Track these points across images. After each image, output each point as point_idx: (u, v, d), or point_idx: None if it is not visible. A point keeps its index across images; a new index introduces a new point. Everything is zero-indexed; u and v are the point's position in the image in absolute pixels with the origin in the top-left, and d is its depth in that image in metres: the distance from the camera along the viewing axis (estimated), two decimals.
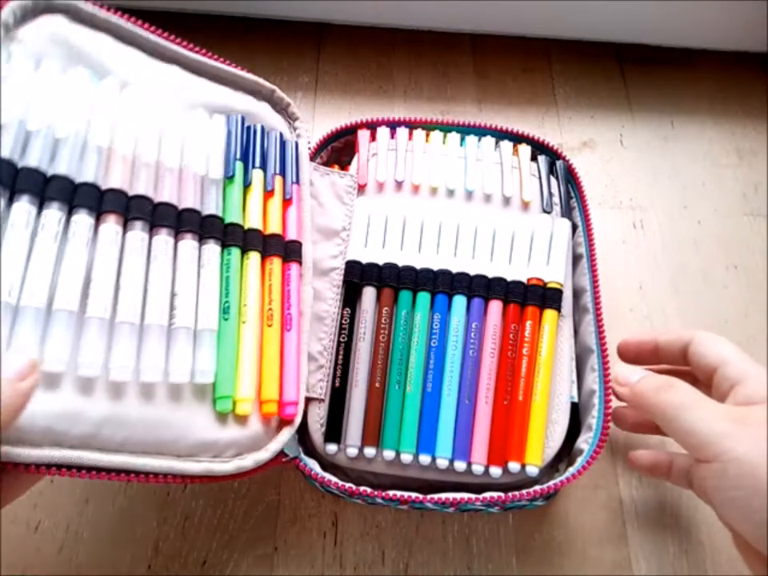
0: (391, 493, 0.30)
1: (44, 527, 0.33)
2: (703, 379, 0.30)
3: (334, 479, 0.30)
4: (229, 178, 0.32)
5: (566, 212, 0.37)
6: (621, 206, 0.46)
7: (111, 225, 0.26)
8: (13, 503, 0.29)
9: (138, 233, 0.27)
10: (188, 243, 0.28)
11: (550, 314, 0.33)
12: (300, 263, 0.33)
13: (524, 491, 0.30)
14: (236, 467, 0.27)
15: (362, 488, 0.30)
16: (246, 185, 0.32)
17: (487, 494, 0.30)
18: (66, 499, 0.34)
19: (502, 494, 0.30)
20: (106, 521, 0.34)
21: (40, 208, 0.25)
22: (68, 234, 0.26)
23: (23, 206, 0.24)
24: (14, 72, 0.27)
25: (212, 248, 0.29)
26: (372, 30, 0.52)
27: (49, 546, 0.33)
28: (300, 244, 0.33)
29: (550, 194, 0.37)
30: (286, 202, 0.34)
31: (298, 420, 0.29)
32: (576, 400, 0.33)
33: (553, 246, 0.35)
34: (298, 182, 0.35)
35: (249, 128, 0.34)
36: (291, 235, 0.33)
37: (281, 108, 0.37)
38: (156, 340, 0.26)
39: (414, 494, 0.30)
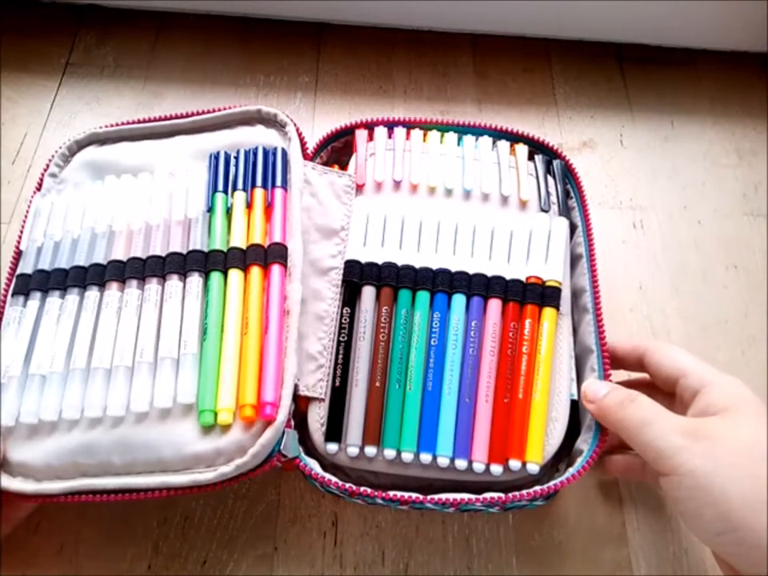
0: (391, 493, 0.30)
1: (44, 527, 0.33)
2: (665, 389, 0.31)
3: (334, 479, 0.30)
4: (209, 210, 0.35)
5: (564, 211, 0.37)
6: (621, 206, 0.46)
7: (113, 291, 0.33)
8: None
9: (133, 290, 0.33)
10: (172, 282, 0.33)
11: (549, 312, 0.33)
12: (283, 264, 0.33)
13: (524, 491, 0.30)
14: (218, 474, 0.28)
15: (362, 488, 0.30)
16: (229, 209, 0.35)
17: (487, 495, 0.30)
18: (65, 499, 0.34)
19: (502, 495, 0.30)
20: (105, 521, 0.34)
21: (64, 294, 0.33)
22: (82, 308, 0.33)
23: (55, 300, 0.33)
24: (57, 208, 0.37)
25: (194, 279, 0.33)
26: (372, 30, 0.52)
27: (49, 546, 0.33)
28: (282, 245, 0.33)
29: (548, 193, 0.38)
30: (269, 209, 0.35)
31: (280, 420, 0.29)
32: (576, 398, 0.33)
33: (551, 244, 0.35)
34: (284, 185, 0.36)
35: (227, 157, 0.37)
36: (275, 239, 0.34)
37: (272, 122, 0.39)
38: (144, 374, 0.30)
39: (414, 495, 0.30)
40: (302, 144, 0.38)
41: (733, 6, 0.48)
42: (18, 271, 0.35)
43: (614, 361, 0.33)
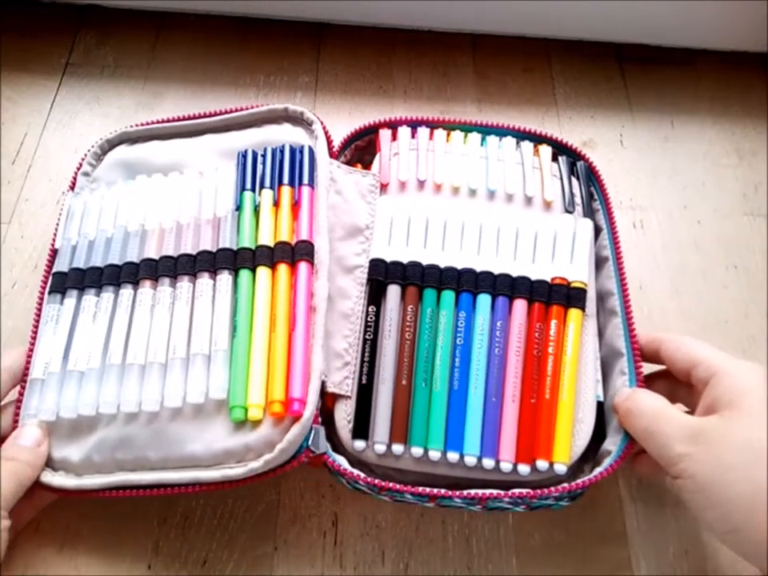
0: (420, 488, 0.30)
1: (44, 527, 0.33)
2: (683, 380, 0.30)
3: (362, 475, 0.31)
4: (237, 209, 0.35)
5: (589, 213, 0.38)
6: (621, 206, 0.46)
7: (146, 289, 0.33)
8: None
9: (165, 288, 0.33)
10: (203, 280, 0.33)
11: (574, 313, 0.34)
12: (310, 261, 0.33)
13: (552, 488, 0.30)
14: (248, 470, 0.28)
15: (390, 483, 0.30)
16: (256, 207, 0.36)
17: (516, 490, 0.30)
18: (65, 499, 0.34)
19: (530, 490, 0.30)
20: (106, 521, 0.34)
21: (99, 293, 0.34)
22: (117, 305, 0.33)
23: (91, 298, 0.34)
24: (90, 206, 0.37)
25: (224, 277, 0.33)
26: (372, 30, 0.52)
27: (49, 546, 0.33)
28: (309, 243, 0.34)
29: (572, 194, 0.38)
30: (295, 207, 0.35)
31: (306, 416, 0.29)
32: (602, 399, 0.33)
33: (576, 245, 0.35)
34: (311, 183, 0.36)
35: (255, 155, 0.37)
36: (302, 236, 0.34)
37: (298, 120, 0.40)
38: (177, 370, 0.31)
39: (443, 490, 0.30)
40: (329, 142, 0.39)
41: (733, 6, 0.48)
42: (54, 269, 0.36)
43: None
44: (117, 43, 0.51)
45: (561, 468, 0.31)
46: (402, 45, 0.52)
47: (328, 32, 0.52)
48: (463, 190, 0.38)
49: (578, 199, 0.38)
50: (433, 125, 0.40)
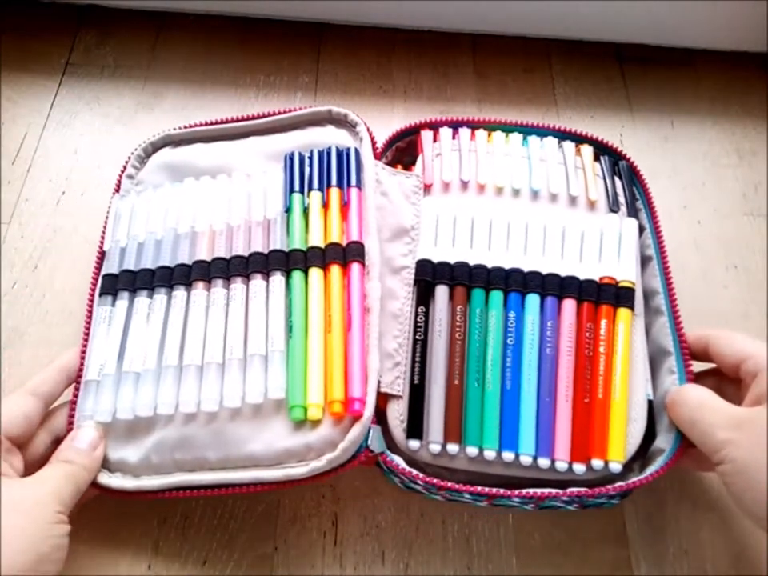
0: (478, 488, 0.30)
1: None
2: (732, 376, 0.31)
3: (421, 474, 0.31)
4: (287, 211, 0.36)
5: (632, 212, 0.38)
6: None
7: (199, 290, 0.34)
8: None
9: (219, 289, 0.34)
10: (256, 282, 0.34)
11: (623, 312, 0.34)
12: (361, 262, 0.34)
13: (609, 486, 0.30)
14: (311, 469, 0.29)
15: (449, 483, 0.30)
16: (305, 208, 0.36)
17: (573, 489, 0.30)
18: None
19: (587, 489, 0.30)
20: (105, 521, 0.34)
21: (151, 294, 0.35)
22: (170, 307, 0.34)
23: (143, 300, 0.34)
24: (137, 208, 0.38)
25: (277, 278, 0.34)
26: (372, 30, 0.52)
27: None
28: (360, 244, 0.34)
29: (615, 194, 0.38)
30: (345, 208, 0.36)
31: (366, 416, 0.30)
32: (652, 397, 0.33)
33: (622, 244, 0.36)
34: (358, 185, 0.36)
35: (302, 157, 0.38)
36: (352, 237, 0.34)
37: (342, 122, 0.40)
38: (235, 371, 0.31)
39: (501, 489, 0.30)
40: (373, 143, 0.39)
41: (733, 6, 0.48)
42: (104, 271, 0.36)
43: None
44: (117, 43, 0.51)
45: (616, 467, 0.31)
46: (402, 45, 0.52)
47: (328, 32, 0.52)
48: (507, 190, 0.38)
49: (621, 199, 0.38)
50: (474, 125, 0.40)
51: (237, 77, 0.50)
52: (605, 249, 0.35)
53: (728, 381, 0.32)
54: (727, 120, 0.50)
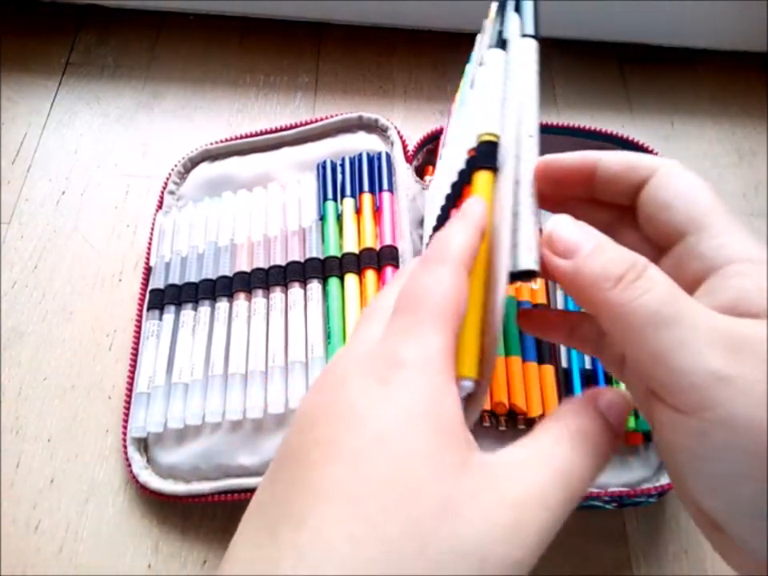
0: None
1: (44, 527, 0.33)
2: (655, 238, 0.18)
3: None
4: (321, 219, 0.37)
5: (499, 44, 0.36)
6: None
7: (241, 301, 0.35)
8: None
9: (259, 299, 0.35)
10: (294, 290, 0.35)
11: (481, 176, 0.21)
12: (395, 265, 0.34)
13: (649, 486, 0.31)
14: None
15: None
16: (339, 215, 0.37)
17: (615, 489, 0.31)
18: (66, 499, 0.34)
19: (629, 489, 0.31)
20: (105, 521, 0.34)
21: (196, 306, 0.36)
22: (214, 318, 0.35)
23: (188, 312, 0.36)
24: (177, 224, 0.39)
25: (314, 286, 0.35)
26: (372, 30, 0.52)
27: (49, 546, 0.33)
28: (393, 247, 0.35)
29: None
30: (377, 213, 0.37)
31: None
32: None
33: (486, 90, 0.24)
34: (390, 189, 0.37)
35: (334, 165, 0.39)
36: (386, 241, 0.35)
37: (372, 127, 0.41)
38: (278, 378, 0.32)
39: None
40: (404, 146, 0.40)
41: (733, 6, 0.48)
42: (151, 287, 0.37)
43: (586, 182, 0.19)
44: (117, 43, 0.51)
45: (467, 384, 0.18)
46: (402, 45, 0.52)
47: (328, 32, 0.52)
48: None
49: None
50: None
51: (237, 77, 0.50)
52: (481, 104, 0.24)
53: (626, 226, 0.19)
54: (727, 120, 0.50)
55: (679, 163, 0.18)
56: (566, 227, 0.17)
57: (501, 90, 0.23)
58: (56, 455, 0.35)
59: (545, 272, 0.17)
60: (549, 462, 0.15)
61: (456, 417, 0.14)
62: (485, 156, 0.22)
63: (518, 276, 0.18)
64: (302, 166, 0.40)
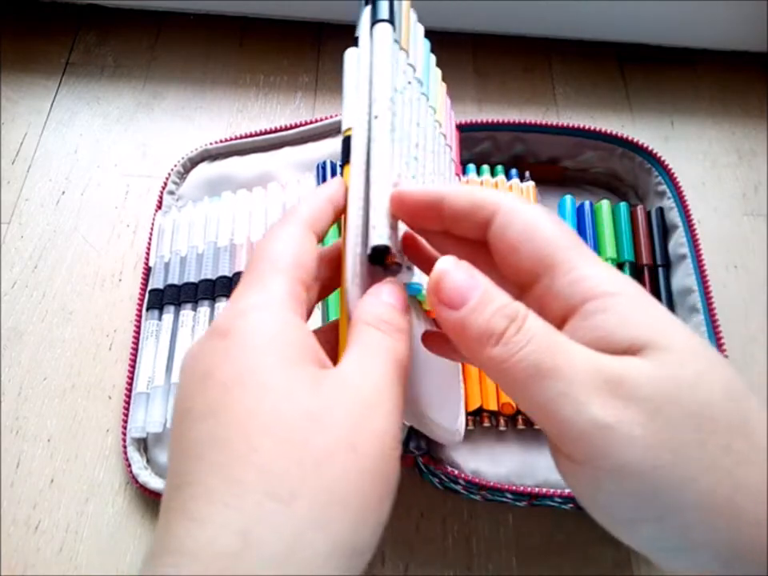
0: (521, 487, 0.31)
1: (44, 527, 0.33)
2: (512, 278, 0.17)
3: (463, 473, 0.31)
4: None
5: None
6: None
7: None
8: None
9: None
10: None
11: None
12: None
13: None
14: None
15: (491, 482, 0.31)
16: None
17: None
18: (66, 499, 0.34)
19: None
20: (105, 521, 0.34)
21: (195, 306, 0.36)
22: (213, 318, 0.34)
23: (188, 313, 0.36)
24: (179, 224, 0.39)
25: None
26: None
27: (49, 546, 0.33)
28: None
29: None
30: None
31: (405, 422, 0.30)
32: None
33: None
34: None
35: (333, 165, 0.39)
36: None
37: None
38: None
39: (543, 489, 0.31)
40: None
41: (733, 6, 0.48)
42: (150, 287, 0.37)
43: (437, 215, 0.18)
44: (117, 43, 0.51)
45: None
46: None
47: (328, 32, 0.52)
48: None
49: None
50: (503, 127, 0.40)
51: (237, 77, 0.50)
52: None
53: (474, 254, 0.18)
54: (727, 120, 0.50)
55: (520, 198, 0.17)
56: (452, 274, 0.16)
57: (353, 84, 0.24)
58: (56, 455, 0.35)
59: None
60: (377, 358, 0.16)
61: (301, 340, 0.15)
62: (344, 152, 0.22)
63: (375, 257, 0.18)
64: (301, 166, 0.40)
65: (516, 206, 0.17)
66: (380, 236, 0.18)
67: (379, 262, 0.18)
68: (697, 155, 0.48)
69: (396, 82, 0.22)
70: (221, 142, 0.42)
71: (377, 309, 0.17)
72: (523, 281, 0.17)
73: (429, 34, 0.29)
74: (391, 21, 0.22)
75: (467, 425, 0.32)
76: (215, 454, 0.13)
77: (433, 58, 0.29)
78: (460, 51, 0.52)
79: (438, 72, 0.30)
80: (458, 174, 0.31)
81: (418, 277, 0.21)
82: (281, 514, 0.13)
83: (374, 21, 0.23)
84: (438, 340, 0.21)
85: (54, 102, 0.48)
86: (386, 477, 0.14)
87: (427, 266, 0.18)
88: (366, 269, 0.18)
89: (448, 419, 0.26)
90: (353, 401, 0.15)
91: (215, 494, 0.13)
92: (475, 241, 0.18)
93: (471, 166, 0.40)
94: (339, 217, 0.19)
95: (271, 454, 0.13)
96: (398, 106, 0.21)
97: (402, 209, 0.19)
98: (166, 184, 0.41)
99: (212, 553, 0.12)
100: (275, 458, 0.13)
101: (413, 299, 0.23)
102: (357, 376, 0.15)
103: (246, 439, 0.13)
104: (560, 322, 0.16)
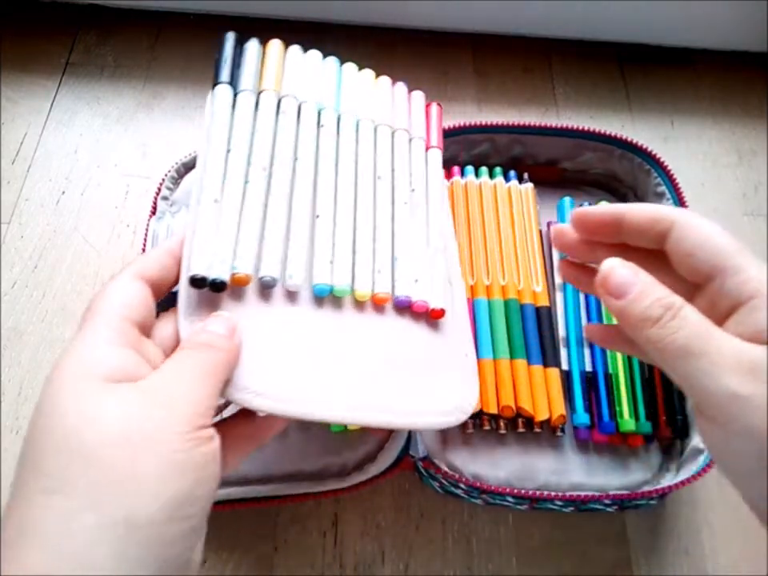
0: (522, 490, 0.31)
1: None
2: (688, 278, 0.21)
3: (464, 477, 0.31)
4: None
5: None
6: None
7: None
8: None
9: None
10: None
11: None
12: None
13: (650, 489, 0.30)
14: (354, 481, 0.31)
15: (492, 486, 0.31)
16: None
17: (614, 491, 0.31)
18: None
19: (629, 491, 0.31)
20: None
21: None
22: None
23: None
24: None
25: None
26: (372, 30, 0.52)
27: None
28: None
29: None
30: None
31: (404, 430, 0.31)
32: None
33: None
34: None
35: None
36: None
37: None
38: None
39: (545, 492, 0.31)
40: None
41: (733, 6, 0.48)
42: None
43: (614, 230, 0.22)
44: (117, 43, 0.51)
45: None
46: (402, 45, 0.52)
47: (328, 32, 0.52)
48: None
49: None
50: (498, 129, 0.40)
51: None
52: None
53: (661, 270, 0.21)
54: (727, 120, 0.50)
55: (695, 213, 0.21)
56: (617, 270, 0.20)
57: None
58: None
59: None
60: (180, 364, 0.20)
61: (100, 361, 0.18)
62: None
63: (196, 282, 0.21)
64: None
65: (691, 219, 0.20)
66: (196, 264, 0.22)
67: (199, 286, 0.21)
68: (697, 155, 0.48)
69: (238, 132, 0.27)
70: None
71: (194, 336, 0.20)
72: (697, 281, 0.20)
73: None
74: (231, 82, 0.27)
75: (467, 427, 0.32)
76: (21, 468, 0.17)
77: (353, 66, 0.35)
78: (460, 51, 0.52)
79: (367, 73, 0.35)
80: (437, 147, 0.32)
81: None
82: (53, 503, 0.16)
83: (214, 84, 0.27)
84: (610, 334, 0.24)
85: (53, 102, 0.48)
86: (167, 458, 0.17)
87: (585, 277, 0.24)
88: (196, 300, 0.22)
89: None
90: (137, 400, 0.17)
91: (16, 500, 0.16)
92: (648, 250, 0.22)
93: (470, 168, 0.40)
94: (179, 264, 0.23)
95: (46, 456, 0.16)
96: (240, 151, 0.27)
97: (582, 226, 0.23)
98: (160, 189, 0.41)
99: None
100: (48, 458, 0.16)
101: None
102: (152, 380, 0.18)
103: (33, 449, 0.17)
104: (726, 316, 0.19)
